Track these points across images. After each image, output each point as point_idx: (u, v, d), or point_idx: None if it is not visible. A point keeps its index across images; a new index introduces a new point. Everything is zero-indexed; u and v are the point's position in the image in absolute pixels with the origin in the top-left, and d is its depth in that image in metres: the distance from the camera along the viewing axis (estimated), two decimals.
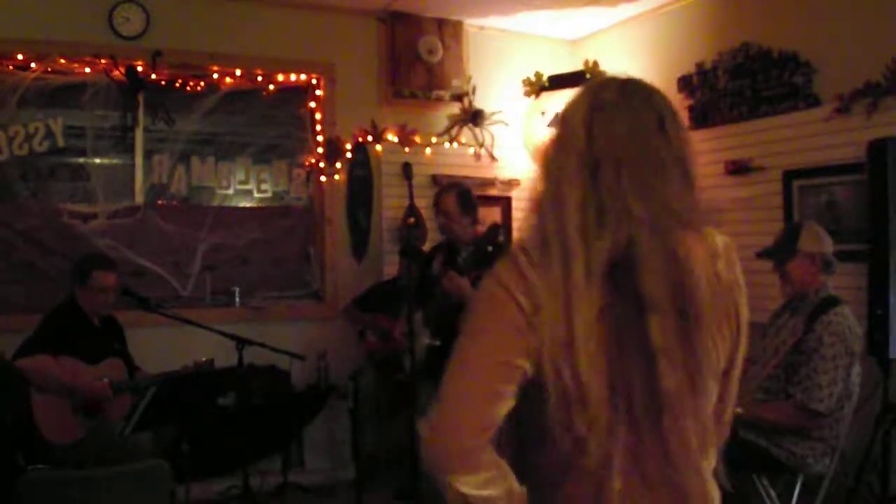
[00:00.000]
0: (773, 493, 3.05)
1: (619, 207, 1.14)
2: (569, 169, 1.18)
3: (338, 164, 4.85)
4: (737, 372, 1.29)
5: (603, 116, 1.18)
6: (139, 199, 4.46)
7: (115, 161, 4.42)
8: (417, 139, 4.92)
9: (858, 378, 2.94)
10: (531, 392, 1.16)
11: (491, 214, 4.87)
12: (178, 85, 4.48)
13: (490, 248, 3.24)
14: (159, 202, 4.51)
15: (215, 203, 4.67)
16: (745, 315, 1.25)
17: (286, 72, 4.76)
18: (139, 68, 4.33)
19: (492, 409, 1.13)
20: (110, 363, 3.50)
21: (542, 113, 4.92)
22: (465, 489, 1.12)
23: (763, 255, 3.14)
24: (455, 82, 5.07)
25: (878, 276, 3.19)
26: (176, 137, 4.53)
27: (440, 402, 1.15)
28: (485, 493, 1.13)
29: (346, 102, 4.87)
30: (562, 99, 4.28)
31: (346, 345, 4.66)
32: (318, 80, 4.85)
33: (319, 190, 4.89)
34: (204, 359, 3.64)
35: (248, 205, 4.79)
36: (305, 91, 4.87)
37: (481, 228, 3.84)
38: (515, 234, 3.54)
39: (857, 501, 3.10)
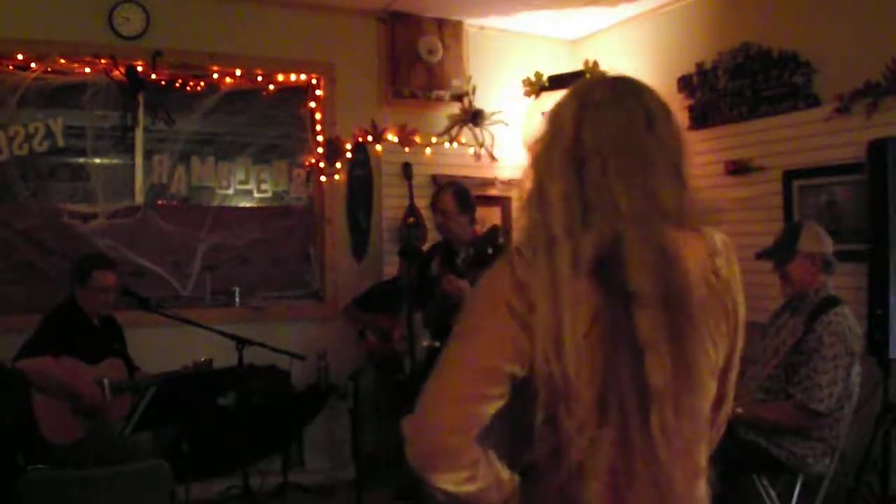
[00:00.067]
0: (773, 493, 3.05)
1: (605, 203, 1.14)
2: (555, 166, 1.18)
3: (338, 164, 4.85)
4: (734, 371, 1.29)
5: (591, 113, 1.19)
6: (139, 199, 4.46)
7: (115, 161, 4.42)
8: (417, 139, 4.92)
9: (858, 378, 2.94)
10: (522, 389, 1.16)
11: (491, 214, 4.88)
12: (178, 85, 4.48)
13: (490, 250, 3.24)
14: (159, 202, 4.51)
15: (215, 203, 4.67)
16: (742, 314, 1.25)
17: (286, 72, 4.76)
18: (139, 68, 4.33)
19: (474, 410, 1.14)
20: (110, 363, 3.50)
21: (542, 113, 4.92)
22: (447, 486, 1.13)
23: (763, 255, 3.15)
24: (455, 82, 5.07)
25: (878, 276, 3.19)
26: (176, 137, 4.53)
27: (422, 401, 1.16)
28: (466, 489, 1.14)
29: (346, 102, 4.87)
30: None
31: (346, 345, 4.66)
32: (318, 80, 4.85)
33: (319, 190, 4.89)
34: (203, 359, 3.64)
35: (248, 205, 4.79)
36: (305, 91, 4.87)
37: (480, 228, 3.84)
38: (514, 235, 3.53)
39: (857, 501, 3.10)
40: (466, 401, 1.14)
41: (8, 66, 4.10)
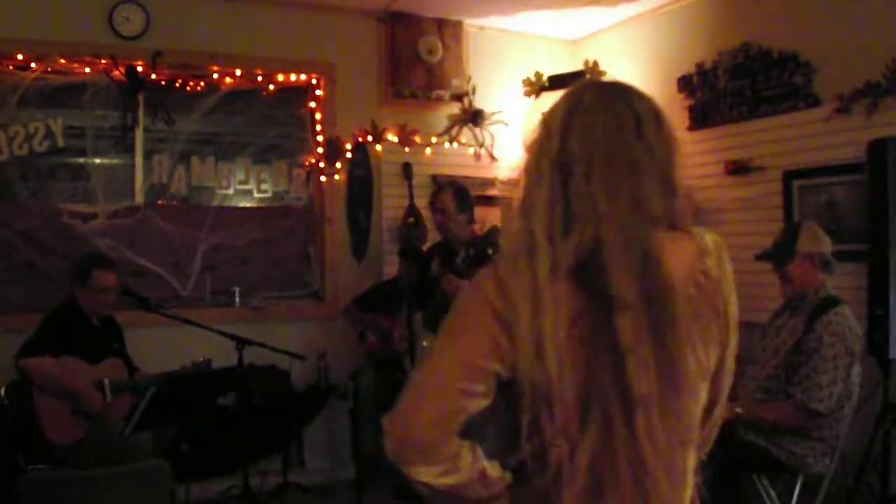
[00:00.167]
0: (773, 493, 3.05)
1: (587, 207, 1.15)
2: (541, 171, 1.20)
3: (338, 164, 4.85)
4: (726, 372, 1.28)
5: (579, 118, 1.20)
6: (139, 199, 4.46)
7: (115, 161, 4.42)
8: (417, 139, 4.92)
9: (858, 378, 2.94)
10: (506, 391, 1.17)
11: (490, 214, 4.87)
12: (178, 85, 4.48)
13: (490, 250, 3.25)
14: (159, 202, 4.51)
15: (215, 203, 4.67)
16: (734, 314, 1.25)
17: (286, 72, 4.76)
18: (139, 68, 4.33)
19: (455, 404, 1.14)
20: (110, 363, 3.51)
21: (542, 113, 4.92)
22: (424, 479, 1.14)
23: (763, 257, 3.14)
24: (455, 82, 5.07)
25: (878, 276, 3.19)
26: (176, 137, 4.53)
27: (404, 395, 1.17)
28: (444, 481, 1.15)
29: (346, 102, 4.87)
30: None
31: (346, 345, 4.66)
32: (318, 80, 4.85)
33: (319, 190, 4.89)
34: (202, 358, 3.65)
35: (248, 205, 4.79)
36: (305, 91, 4.87)
37: (479, 228, 3.84)
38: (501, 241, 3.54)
39: (857, 501, 3.10)
40: (448, 395, 1.15)
41: (8, 66, 4.10)
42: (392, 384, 4.13)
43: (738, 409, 2.91)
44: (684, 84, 4.51)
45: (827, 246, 3.03)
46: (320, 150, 4.83)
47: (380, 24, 4.96)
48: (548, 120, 1.24)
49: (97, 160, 4.36)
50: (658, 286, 1.14)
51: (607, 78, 1.20)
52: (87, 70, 4.26)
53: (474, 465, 1.17)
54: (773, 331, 3.12)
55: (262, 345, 3.63)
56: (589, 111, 1.20)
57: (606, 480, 1.14)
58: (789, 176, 3.88)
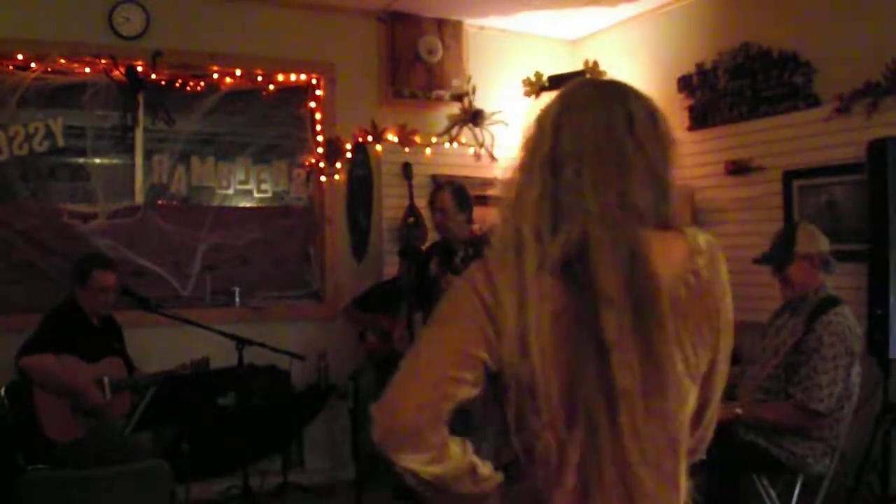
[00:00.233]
0: (773, 493, 3.05)
1: (575, 203, 1.15)
2: (532, 168, 1.21)
3: (338, 164, 4.85)
4: (718, 376, 1.25)
5: (571, 116, 1.20)
6: (139, 199, 4.46)
7: (115, 161, 4.42)
8: (417, 139, 4.92)
9: (858, 378, 2.94)
10: (495, 387, 1.18)
11: (490, 214, 4.86)
12: (178, 85, 4.48)
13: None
14: (159, 202, 4.51)
15: (215, 203, 4.67)
16: (727, 317, 1.23)
17: (286, 72, 4.76)
18: (139, 68, 4.33)
19: (444, 390, 1.14)
20: (110, 362, 3.51)
21: (538, 111, 4.92)
22: (412, 465, 1.13)
23: (761, 261, 3.12)
24: (455, 82, 5.07)
25: (878, 276, 3.19)
26: (176, 137, 4.53)
27: (393, 381, 1.17)
28: (432, 470, 1.14)
29: (346, 102, 4.87)
30: None
31: (346, 345, 4.66)
32: (318, 80, 4.85)
33: (319, 190, 4.89)
34: (200, 357, 3.65)
35: (248, 205, 4.79)
36: (305, 91, 4.87)
37: (477, 228, 3.84)
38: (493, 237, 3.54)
39: (857, 501, 3.10)
40: (436, 381, 1.15)
41: (8, 66, 4.10)
42: None
43: (738, 409, 2.91)
44: (684, 84, 4.52)
45: (825, 245, 3.03)
46: (320, 150, 4.83)
47: (380, 24, 4.96)
48: (541, 118, 1.25)
49: (97, 160, 4.36)
50: (644, 284, 1.13)
51: (608, 77, 1.19)
52: (87, 70, 4.26)
53: (463, 458, 1.17)
54: (773, 331, 3.11)
55: (262, 345, 3.63)
56: (581, 109, 1.20)
57: (594, 480, 1.14)
58: (789, 176, 3.88)
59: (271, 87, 4.74)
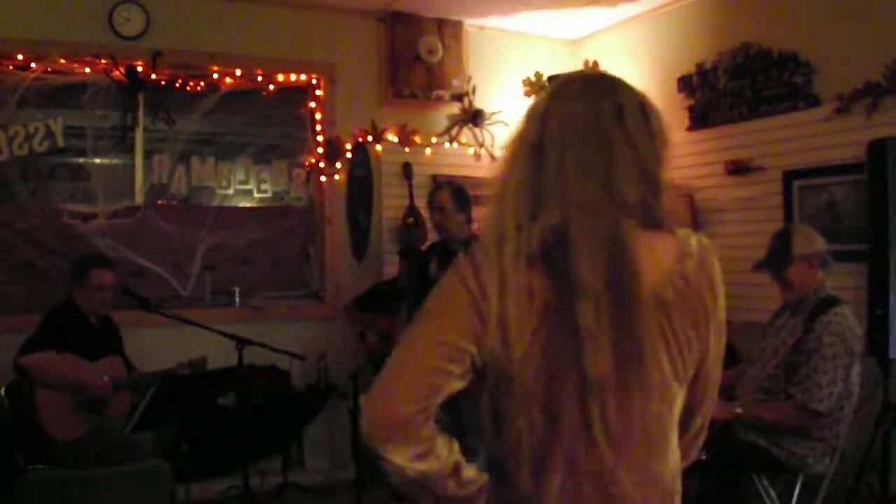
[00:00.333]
0: (773, 493, 3.05)
1: (557, 190, 1.14)
2: (518, 157, 1.20)
3: (338, 164, 4.85)
4: (708, 380, 1.24)
5: (560, 105, 1.19)
6: (139, 199, 4.46)
7: (115, 161, 4.42)
8: (417, 139, 4.92)
9: (858, 378, 2.94)
10: (481, 382, 1.17)
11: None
12: (178, 85, 4.48)
13: None
14: (159, 202, 4.51)
15: (215, 203, 4.67)
16: (718, 320, 1.21)
17: (286, 72, 4.76)
18: (139, 68, 4.33)
19: (432, 381, 1.14)
20: (109, 360, 3.52)
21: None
22: (398, 459, 1.12)
23: (760, 267, 3.10)
24: (455, 82, 5.07)
25: (878, 276, 3.19)
26: (176, 137, 4.53)
27: (382, 373, 1.16)
28: (418, 466, 1.13)
29: (346, 102, 4.87)
30: None
31: (346, 345, 4.66)
32: (318, 80, 4.85)
33: (319, 190, 4.89)
34: (197, 356, 3.65)
35: (248, 205, 4.79)
36: (305, 91, 4.87)
37: (477, 228, 3.84)
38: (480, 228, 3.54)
39: (857, 501, 3.10)
40: (425, 372, 1.14)
41: (8, 66, 4.10)
42: None
43: (738, 409, 2.91)
44: (684, 84, 4.52)
45: (821, 244, 3.01)
46: (320, 150, 4.83)
47: (380, 24, 4.96)
48: (530, 110, 1.24)
49: (97, 160, 4.36)
50: (624, 275, 1.11)
51: (598, 71, 1.17)
52: (87, 70, 4.26)
53: (449, 457, 1.16)
54: (772, 331, 3.11)
55: (262, 345, 3.63)
56: (570, 99, 1.19)
57: (578, 475, 1.13)
58: (789, 176, 3.88)
59: (271, 87, 4.74)
